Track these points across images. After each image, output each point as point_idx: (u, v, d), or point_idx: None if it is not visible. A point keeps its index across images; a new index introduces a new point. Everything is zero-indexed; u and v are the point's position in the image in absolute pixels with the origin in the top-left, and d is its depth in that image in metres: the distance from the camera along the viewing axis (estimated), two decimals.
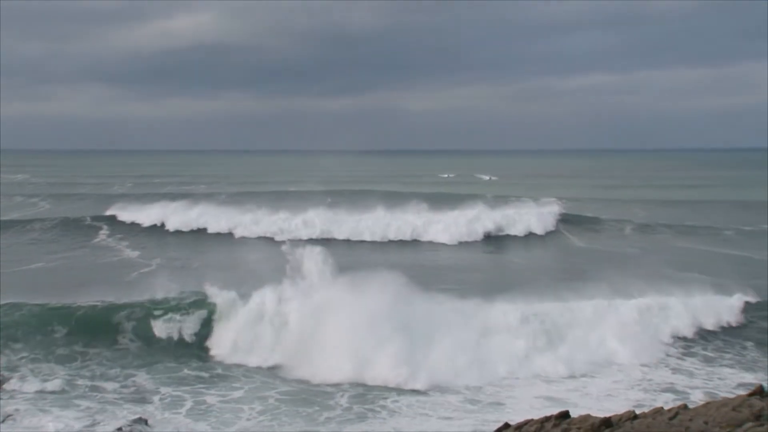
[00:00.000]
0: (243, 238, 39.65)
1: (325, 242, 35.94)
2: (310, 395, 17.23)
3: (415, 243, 39.36)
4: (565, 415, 9.60)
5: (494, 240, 39.88)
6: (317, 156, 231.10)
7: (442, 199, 50.22)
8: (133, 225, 41.61)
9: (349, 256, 33.09)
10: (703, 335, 21.77)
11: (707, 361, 19.85)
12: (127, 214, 42.90)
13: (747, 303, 23.30)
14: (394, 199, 47.58)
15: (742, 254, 34.79)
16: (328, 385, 17.78)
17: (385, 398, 17.00)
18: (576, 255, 36.55)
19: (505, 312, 21.01)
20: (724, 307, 22.77)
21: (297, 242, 36.61)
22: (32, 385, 17.59)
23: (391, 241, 39.46)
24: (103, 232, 40.23)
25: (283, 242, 27.22)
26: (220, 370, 19.14)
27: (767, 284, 25.57)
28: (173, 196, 50.44)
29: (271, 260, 25.82)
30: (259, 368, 19.20)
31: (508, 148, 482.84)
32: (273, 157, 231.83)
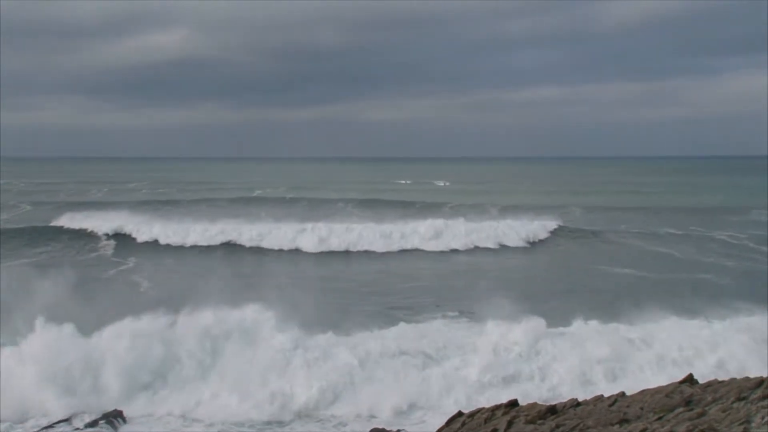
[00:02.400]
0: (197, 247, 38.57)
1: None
2: None
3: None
4: (513, 404, 9.68)
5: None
6: (285, 163, 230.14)
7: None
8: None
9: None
10: None
11: None
12: (92, 222, 41.43)
13: None
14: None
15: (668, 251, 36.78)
16: None
17: None
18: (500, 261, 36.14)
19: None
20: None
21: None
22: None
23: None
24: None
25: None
26: None
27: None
28: (143, 204, 49.96)
29: None
30: None
31: (463, 155, 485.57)
32: (244, 163, 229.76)
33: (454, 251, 37.84)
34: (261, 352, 17.96)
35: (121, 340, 17.48)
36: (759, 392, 7.78)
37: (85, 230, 40.26)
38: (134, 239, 39.23)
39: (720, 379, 9.17)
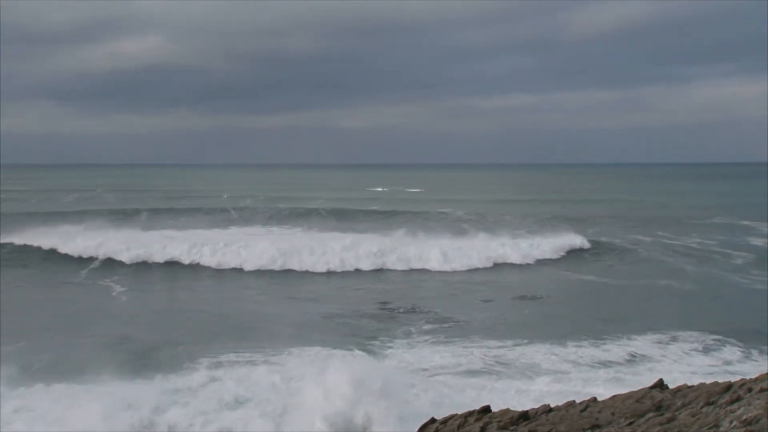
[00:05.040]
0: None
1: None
2: None
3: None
4: (486, 410, 9.67)
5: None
6: (259, 170, 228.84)
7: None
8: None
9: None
10: None
11: None
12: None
13: None
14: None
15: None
16: None
17: None
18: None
19: None
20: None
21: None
22: None
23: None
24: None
25: None
26: None
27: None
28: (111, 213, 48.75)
29: None
30: None
31: (436, 162, 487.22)
32: (216, 170, 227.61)
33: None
34: None
35: None
36: (727, 397, 7.85)
37: (30, 245, 37.50)
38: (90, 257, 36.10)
39: (689, 384, 9.25)
